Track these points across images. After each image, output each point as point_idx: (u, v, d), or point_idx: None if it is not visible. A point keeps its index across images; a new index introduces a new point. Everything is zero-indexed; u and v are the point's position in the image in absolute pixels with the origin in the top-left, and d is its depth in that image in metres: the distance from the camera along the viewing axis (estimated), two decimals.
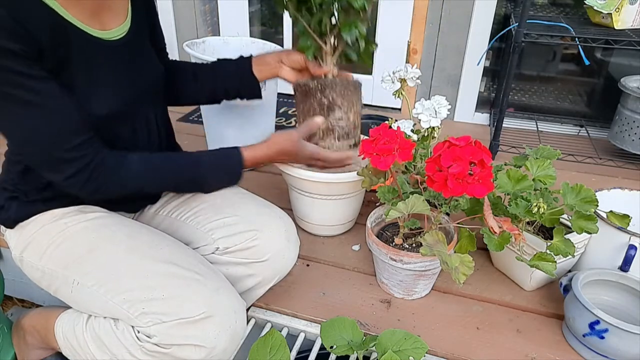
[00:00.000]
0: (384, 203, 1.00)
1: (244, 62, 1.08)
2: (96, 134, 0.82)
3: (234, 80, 1.08)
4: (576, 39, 1.51)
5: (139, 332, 0.78)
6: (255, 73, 1.07)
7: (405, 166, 1.07)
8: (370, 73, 2.11)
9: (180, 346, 0.76)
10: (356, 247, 1.22)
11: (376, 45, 1.01)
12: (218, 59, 1.11)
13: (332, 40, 0.99)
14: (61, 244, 0.86)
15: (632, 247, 0.97)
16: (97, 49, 0.81)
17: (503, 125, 1.60)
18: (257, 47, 1.55)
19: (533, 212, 0.89)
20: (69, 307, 0.91)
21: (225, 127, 1.47)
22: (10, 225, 0.90)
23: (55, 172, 0.79)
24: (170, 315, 0.76)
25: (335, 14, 0.95)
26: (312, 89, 1.00)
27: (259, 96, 1.11)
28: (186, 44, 1.47)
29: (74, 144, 0.77)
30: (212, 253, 0.94)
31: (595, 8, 1.58)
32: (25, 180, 0.88)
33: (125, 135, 0.89)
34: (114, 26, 0.85)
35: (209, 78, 1.09)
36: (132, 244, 0.86)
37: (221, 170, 0.95)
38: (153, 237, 0.89)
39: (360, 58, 1.00)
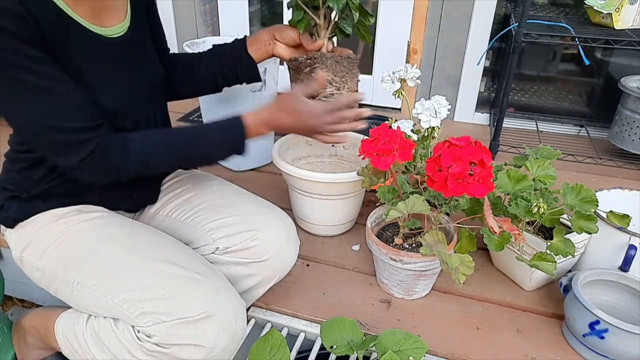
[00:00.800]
0: (384, 203, 1.00)
1: (239, 43, 1.05)
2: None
3: (231, 62, 1.05)
4: (576, 39, 1.51)
5: (139, 331, 0.78)
6: (251, 53, 1.04)
7: (405, 166, 1.07)
8: (370, 73, 2.11)
9: (180, 346, 0.76)
10: (356, 247, 1.22)
11: (372, 16, 0.95)
12: (213, 45, 1.09)
13: (325, 12, 0.95)
14: (61, 244, 0.86)
15: (632, 247, 0.97)
16: (96, 45, 0.82)
17: (503, 125, 1.60)
18: None
19: (533, 212, 0.89)
20: (69, 307, 0.91)
21: None
22: (10, 225, 0.90)
23: (68, 155, 0.78)
24: (170, 315, 0.76)
25: None
26: (301, 64, 0.96)
27: (258, 78, 1.09)
28: (186, 44, 1.48)
29: (86, 127, 0.77)
30: (212, 253, 0.94)
31: (595, 8, 1.58)
32: (25, 179, 0.88)
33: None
34: (112, 24, 0.85)
35: (206, 65, 1.07)
36: (132, 243, 0.86)
37: (226, 138, 0.90)
38: (153, 237, 0.89)
39: (357, 32, 0.96)
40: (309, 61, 0.96)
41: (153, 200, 1.04)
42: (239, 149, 0.91)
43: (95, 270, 0.83)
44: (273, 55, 1.06)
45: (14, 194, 0.89)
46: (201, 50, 1.09)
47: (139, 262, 0.83)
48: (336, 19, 0.97)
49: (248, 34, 2.19)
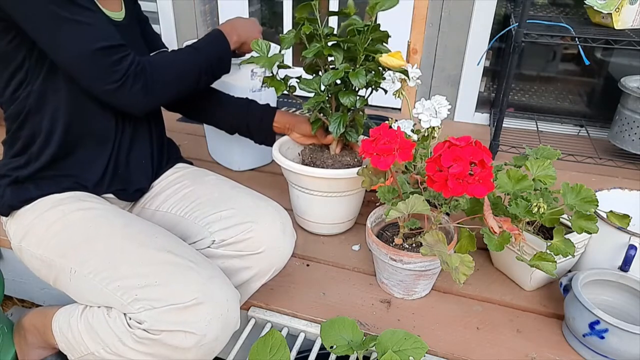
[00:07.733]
0: (384, 203, 1.00)
1: (269, 117, 1.21)
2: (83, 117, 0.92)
3: (255, 127, 1.22)
4: (576, 39, 1.51)
5: (130, 318, 0.78)
6: (274, 123, 1.21)
7: (405, 166, 1.07)
8: None
9: (171, 332, 0.75)
10: (356, 247, 1.22)
11: (358, 141, 1.18)
12: (249, 100, 1.23)
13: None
14: (59, 233, 0.87)
15: (632, 247, 0.97)
16: None
17: (503, 125, 1.60)
18: None
19: (533, 212, 0.89)
20: (67, 304, 0.91)
21: None
22: (6, 212, 0.92)
23: (109, 74, 0.86)
24: (161, 301, 0.76)
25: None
26: (305, 162, 1.20)
27: (270, 144, 1.23)
28: (186, 44, 1.47)
29: (119, 44, 0.87)
30: (208, 247, 0.94)
31: (595, 8, 1.58)
32: (17, 163, 0.91)
33: (112, 121, 0.95)
34: (113, 10, 0.94)
35: (232, 117, 1.22)
36: (128, 232, 0.87)
37: (214, 52, 1.10)
38: (148, 228, 0.90)
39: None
40: (310, 159, 1.19)
41: (144, 184, 1.05)
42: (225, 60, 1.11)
43: (91, 258, 0.83)
44: (288, 135, 1.25)
45: (7, 180, 0.91)
46: None
47: (134, 250, 0.83)
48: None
49: None
